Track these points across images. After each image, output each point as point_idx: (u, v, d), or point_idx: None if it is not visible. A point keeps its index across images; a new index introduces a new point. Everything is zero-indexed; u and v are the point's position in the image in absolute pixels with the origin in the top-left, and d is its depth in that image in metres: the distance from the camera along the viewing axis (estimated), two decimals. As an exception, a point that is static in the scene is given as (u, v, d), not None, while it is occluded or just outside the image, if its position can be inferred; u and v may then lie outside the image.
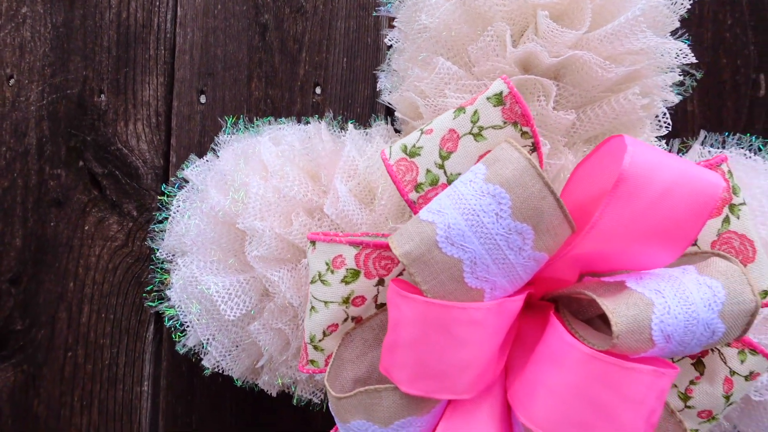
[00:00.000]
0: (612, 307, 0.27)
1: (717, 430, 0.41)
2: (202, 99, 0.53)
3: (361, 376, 0.34)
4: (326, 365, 0.35)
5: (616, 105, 0.38)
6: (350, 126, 0.44)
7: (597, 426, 0.26)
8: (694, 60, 0.40)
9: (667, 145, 0.44)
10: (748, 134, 0.44)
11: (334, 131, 0.45)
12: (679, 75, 0.44)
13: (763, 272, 0.31)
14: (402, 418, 0.30)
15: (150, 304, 0.49)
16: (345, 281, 0.33)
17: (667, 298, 0.27)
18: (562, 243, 0.29)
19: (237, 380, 0.46)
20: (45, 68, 0.54)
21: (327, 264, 0.34)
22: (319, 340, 0.34)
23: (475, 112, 0.32)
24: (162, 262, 0.47)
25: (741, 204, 0.31)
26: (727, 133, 0.43)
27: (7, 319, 0.54)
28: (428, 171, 0.32)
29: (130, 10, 0.54)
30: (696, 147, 0.42)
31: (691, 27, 0.50)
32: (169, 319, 0.46)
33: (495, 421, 0.31)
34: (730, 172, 0.31)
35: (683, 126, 0.51)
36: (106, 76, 0.54)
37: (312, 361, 0.34)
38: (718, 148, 0.43)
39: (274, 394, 0.46)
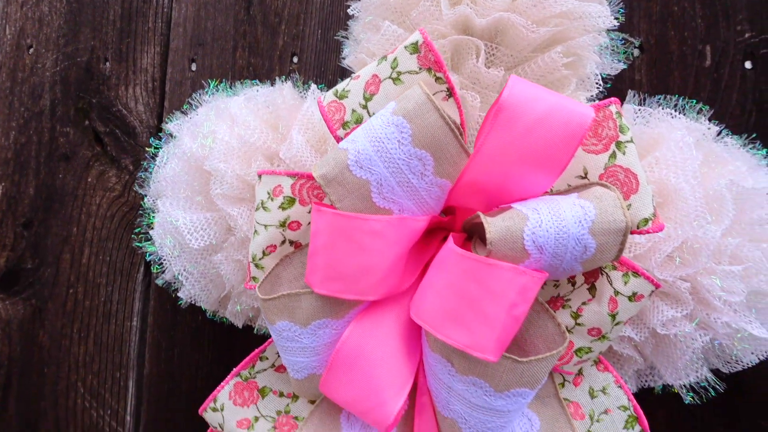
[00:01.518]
0: (489, 219, 0.31)
1: (634, 367, 0.44)
2: (193, 67, 0.59)
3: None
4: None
5: (541, 63, 0.42)
6: (312, 85, 0.49)
7: (466, 316, 0.30)
8: (614, 23, 0.43)
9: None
10: (694, 101, 0.46)
11: (301, 91, 0.50)
12: (617, 43, 0.48)
13: (645, 202, 0.34)
14: (319, 319, 0.35)
15: (138, 244, 0.55)
16: (282, 207, 0.38)
17: (541, 214, 0.31)
18: (461, 170, 0.34)
19: (208, 312, 0.52)
20: (59, 39, 0.61)
21: (268, 193, 0.39)
22: (260, 259, 0.39)
23: (395, 59, 0.36)
24: (150, 208, 0.53)
25: (628, 141, 0.34)
26: (659, 96, 0.46)
27: (19, 258, 0.61)
28: (353, 111, 0.37)
29: (133, -13, 0.60)
30: (627, 107, 0.46)
31: (641, 1, 0.53)
32: (149, 255, 0.52)
33: (400, 328, 0.35)
34: (618, 113, 0.35)
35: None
36: (111, 45, 0.61)
37: (254, 278, 0.39)
38: (652, 107, 0.46)
39: (240, 326, 0.51)
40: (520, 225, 0.31)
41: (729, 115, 0.52)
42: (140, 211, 0.55)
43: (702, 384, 0.46)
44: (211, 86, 0.54)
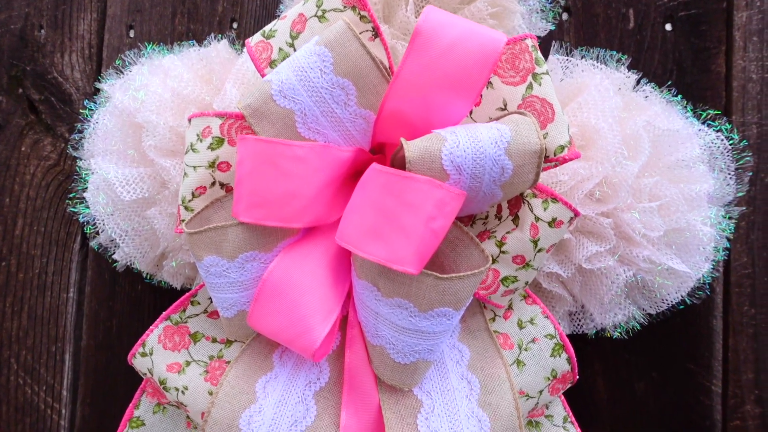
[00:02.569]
0: (409, 142, 0.32)
1: (565, 307, 0.45)
2: (131, 33, 0.59)
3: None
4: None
5: (467, 13, 0.43)
6: (248, 42, 0.49)
7: (385, 231, 0.30)
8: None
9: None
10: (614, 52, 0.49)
11: (235, 50, 0.50)
12: (545, 5, 0.50)
13: (561, 131, 0.35)
14: (246, 252, 0.35)
15: (72, 209, 0.54)
16: (211, 148, 0.38)
17: (459, 136, 0.32)
18: (382, 98, 0.34)
19: (145, 274, 0.51)
20: (-9, 6, 0.60)
21: (197, 135, 0.39)
22: (189, 201, 0.39)
23: (320, -3, 0.37)
24: (85, 171, 0.52)
25: (543, 73, 0.36)
26: (581, 48, 0.48)
27: (-52, 231, 0.59)
28: (280, 49, 0.37)
29: (68, -47, 0.60)
30: (552, 58, 0.48)
31: (568, -33, 0.56)
32: (83, 217, 0.51)
33: (329, 260, 0.36)
34: (534, 46, 0.36)
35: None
36: (46, 12, 0.59)
37: (183, 221, 0.39)
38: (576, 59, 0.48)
39: (178, 287, 0.51)
40: (438, 145, 0.32)
41: (652, 74, 0.54)
42: (75, 176, 0.54)
43: (631, 323, 0.48)
44: (148, 48, 0.54)
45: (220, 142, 0.38)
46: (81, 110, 0.58)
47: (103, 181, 0.47)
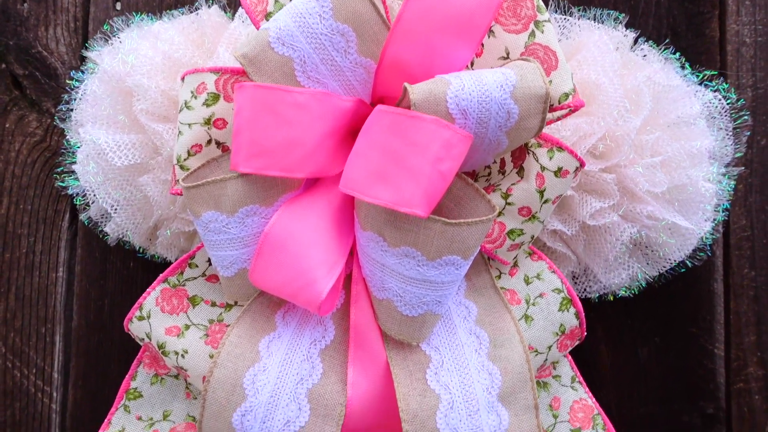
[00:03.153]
0: (413, 84, 0.31)
1: (569, 268, 0.45)
2: (118, 6, 0.57)
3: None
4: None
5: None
6: (240, 10, 0.48)
7: (392, 173, 0.29)
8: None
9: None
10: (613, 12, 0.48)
11: (226, 17, 0.49)
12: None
13: (564, 78, 0.35)
14: (246, 206, 0.34)
15: (60, 184, 0.52)
16: (206, 104, 0.37)
17: (464, 80, 0.31)
18: (383, 45, 0.34)
19: (137, 246, 0.50)
20: (-29, -21, 0.58)
21: (192, 92, 0.38)
22: (185, 160, 0.38)
23: (316, -54, 0.36)
24: (73, 144, 0.51)
25: (545, 21, 0.35)
26: (579, 7, 0.48)
27: (-70, 212, 0.56)
28: (276, 1, 0.36)
29: (51, -76, 0.58)
30: (552, 18, 0.47)
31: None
32: (72, 189, 0.49)
33: (332, 213, 0.35)
34: (536, -7, 0.36)
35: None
36: (28, -15, 0.58)
37: (179, 181, 0.38)
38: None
39: (173, 259, 0.49)
40: (442, 88, 0.31)
41: (646, 39, 0.54)
42: (63, 150, 0.52)
43: (635, 285, 0.47)
44: (137, 18, 0.52)
45: (215, 98, 0.37)
46: (67, 84, 0.56)
47: (93, 149, 0.45)
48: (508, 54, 0.36)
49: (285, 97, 0.31)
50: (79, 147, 0.48)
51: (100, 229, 0.51)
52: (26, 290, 0.56)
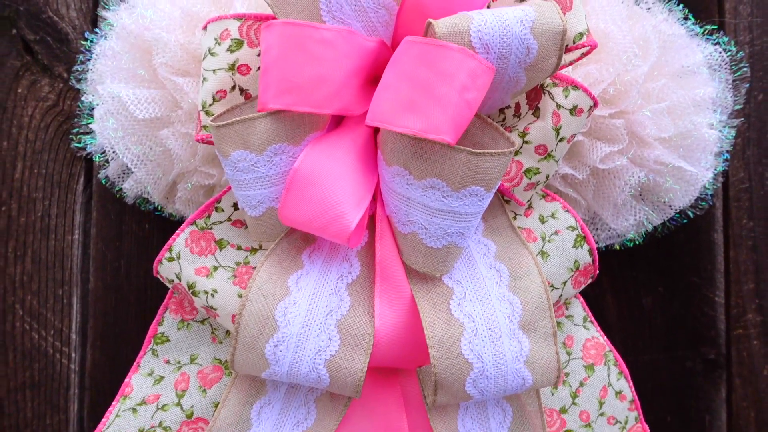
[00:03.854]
0: (437, 20, 0.32)
1: (578, 213, 0.46)
2: (128, -30, 0.58)
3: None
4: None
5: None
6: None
7: (420, 102, 0.31)
8: None
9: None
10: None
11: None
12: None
13: (579, 19, 0.36)
14: (275, 144, 0.35)
15: (76, 145, 0.53)
16: (230, 50, 0.38)
17: (485, 15, 0.33)
18: (406, -14, 0.35)
19: (156, 202, 0.50)
20: (-22, -55, 0.58)
21: (215, 39, 0.39)
22: (210, 105, 0.38)
23: None
24: (88, 104, 0.51)
25: (560, -36, 0.37)
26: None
27: (-57, 178, 0.57)
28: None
29: None
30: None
31: None
32: (90, 147, 0.50)
33: (358, 150, 0.36)
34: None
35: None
36: (37, -50, 0.58)
37: (204, 127, 0.39)
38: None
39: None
40: (466, 23, 0.32)
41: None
42: (78, 112, 0.53)
43: (641, 229, 0.49)
44: (149, -19, 0.53)
45: (239, 43, 0.38)
46: (80, 47, 0.57)
47: (112, 105, 0.46)
48: (523, -3, 0.37)
49: (312, 34, 0.32)
50: (96, 105, 0.49)
51: (117, 188, 0.51)
52: (42, 253, 0.57)
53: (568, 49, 0.36)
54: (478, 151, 0.32)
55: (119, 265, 0.56)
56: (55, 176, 0.57)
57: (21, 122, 0.57)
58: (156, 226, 0.56)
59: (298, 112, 0.34)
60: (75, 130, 0.53)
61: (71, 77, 0.52)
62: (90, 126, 0.50)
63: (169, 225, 0.55)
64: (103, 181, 0.51)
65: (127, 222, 0.56)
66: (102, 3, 0.54)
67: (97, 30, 0.52)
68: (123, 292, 0.56)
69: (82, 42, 0.53)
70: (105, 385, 0.56)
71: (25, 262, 0.57)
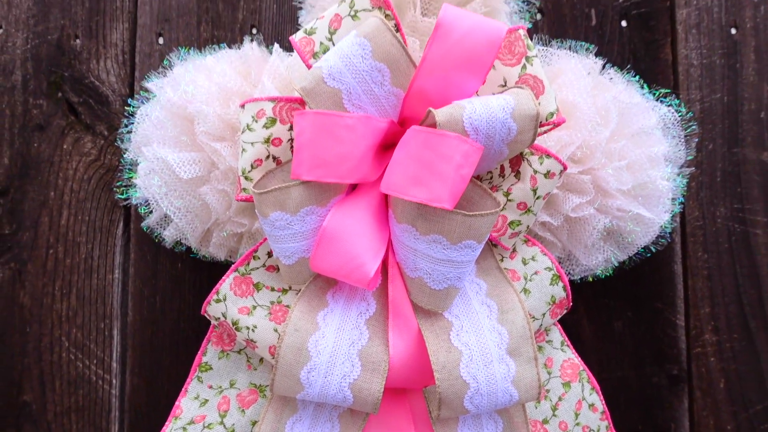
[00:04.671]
0: (436, 109, 0.41)
1: (555, 253, 0.55)
2: (160, 40, 0.66)
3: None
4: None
5: (465, 13, 0.53)
6: (276, 45, 0.57)
7: (425, 177, 0.39)
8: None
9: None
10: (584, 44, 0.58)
11: (264, 50, 0.58)
12: (521, 7, 0.60)
13: (550, 101, 0.45)
14: (306, 206, 0.43)
15: (120, 196, 0.60)
16: (265, 126, 0.46)
17: (475, 104, 0.41)
18: (410, 79, 0.43)
19: (193, 247, 0.58)
20: (29, 19, 0.66)
21: (252, 117, 0.47)
22: (248, 172, 0.46)
23: (352, 1, 0.46)
24: (130, 162, 0.59)
25: (533, 56, 0.45)
26: (557, 40, 0.58)
27: (-4, 225, 0.64)
28: (321, 43, 0.46)
29: (100, -29, 0.67)
30: (536, 49, 0.57)
31: (539, -24, 0.66)
32: (135, 200, 0.57)
33: (373, 210, 0.44)
34: (525, 35, 0.46)
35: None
36: (81, 24, 0.66)
37: (244, 189, 0.47)
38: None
39: (222, 258, 0.57)
40: (459, 111, 0.41)
41: (612, 63, 0.65)
42: (120, 168, 0.60)
43: (609, 265, 0.57)
44: (182, 52, 0.61)
45: (273, 121, 0.46)
46: (118, 111, 0.65)
47: (157, 165, 0.54)
48: (505, 82, 0.45)
49: (338, 121, 0.41)
50: (140, 163, 0.57)
51: (157, 234, 0.59)
52: (86, 291, 0.64)
53: (541, 125, 0.45)
54: (471, 213, 0.40)
55: (155, 300, 0.64)
56: (97, 222, 0.64)
57: (66, 175, 0.65)
58: (188, 265, 0.63)
59: (326, 182, 0.42)
60: (118, 183, 0.61)
61: (117, 139, 0.60)
62: (134, 181, 0.58)
63: (200, 264, 0.62)
64: (145, 229, 0.59)
65: (162, 262, 0.64)
66: (133, 80, 0.62)
67: (137, 96, 0.60)
68: (158, 325, 0.63)
69: (126, 107, 0.60)
70: (143, 408, 0.63)
71: (71, 298, 0.64)
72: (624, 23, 0.66)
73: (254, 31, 0.66)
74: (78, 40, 0.66)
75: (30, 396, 0.63)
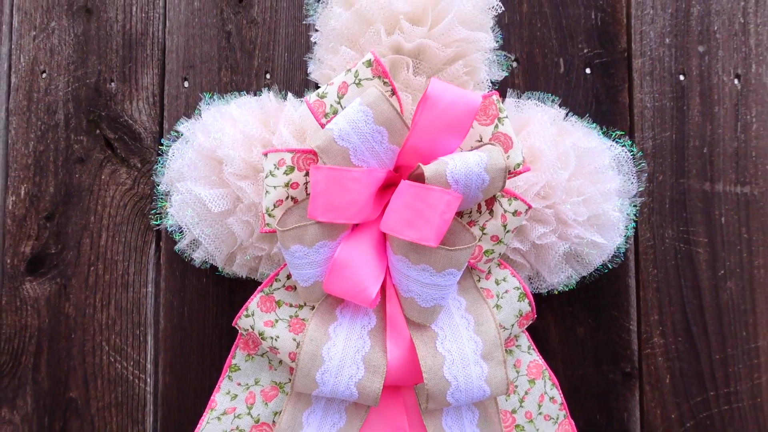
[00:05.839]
0: (425, 164, 0.51)
1: (525, 273, 0.65)
2: (186, 84, 0.75)
3: (297, 232, 0.56)
4: (275, 228, 0.57)
5: (450, 72, 0.63)
6: (289, 95, 0.67)
7: (415, 222, 0.49)
8: (495, 44, 0.65)
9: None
10: (550, 96, 0.69)
11: (279, 98, 0.68)
12: (501, 58, 0.70)
13: (517, 153, 0.55)
14: (320, 241, 0.53)
15: (154, 222, 0.70)
16: (285, 173, 0.56)
17: (455, 160, 0.51)
18: (404, 138, 0.53)
19: (220, 269, 0.68)
20: (70, 65, 0.75)
21: (274, 165, 0.57)
22: (271, 210, 0.56)
23: (356, 71, 0.56)
24: (163, 192, 0.69)
25: (504, 117, 0.56)
26: (528, 93, 0.69)
27: (44, 245, 0.74)
28: (331, 105, 0.56)
29: (132, 23, 0.76)
30: (509, 100, 0.68)
31: (512, 28, 0.76)
32: (170, 227, 0.67)
33: (374, 244, 0.54)
34: (498, 100, 0.56)
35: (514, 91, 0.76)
36: (115, 69, 0.76)
37: (267, 224, 0.57)
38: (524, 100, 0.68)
39: (244, 276, 0.68)
40: (443, 167, 0.51)
41: (577, 105, 0.75)
42: (154, 197, 0.70)
43: (570, 282, 0.68)
44: (206, 97, 0.71)
45: (291, 169, 0.56)
46: (149, 146, 0.74)
47: (190, 198, 0.64)
48: (481, 138, 0.56)
49: (346, 174, 0.51)
50: (172, 195, 0.66)
51: (187, 255, 0.69)
52: (123, 302, 0.74)
53: (510, 174, 0.55)
54: (452, 248, 0.51)
55: (183, 310, 0.74)
56: (132, 243, 0.74)
57: (104, 201, 0.74)
58: (211, 281, 0.73)
59: (337, 222, 0.52)
60: (153, 211, 0.71)
61: (151, 173, 0.70)
62: (167, 209, 0.68)
63: (222, 280, 0.72)
64: (177, 251, 0.69)
65: (189, 277, 0.74)
66: (166, 124, 0.72)
67: (168, 136, 0.69)
68: (186, 331, 0.73)
69: (159, 146, 0.70)
70: (174, 403, 0.73)
71: (110, 309, 0.74)
72: (588, 71, 0.76)
73: (267, 76, 0.75)
74: (113, 84, 0.75)
75: (75, 393, 0.73)
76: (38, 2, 0.76)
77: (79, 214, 0.74)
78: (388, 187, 0.57)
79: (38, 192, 0.74)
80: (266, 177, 0.57)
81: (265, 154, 0.58)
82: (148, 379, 0.73)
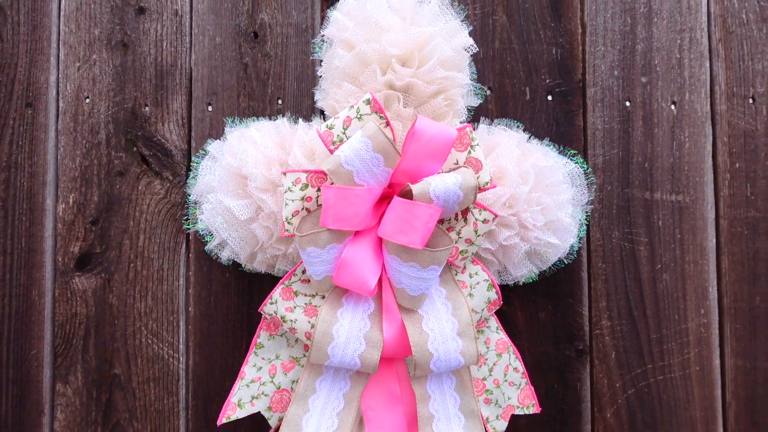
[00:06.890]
0: (412, 184, 0.65)
1: (495, 268, 0.80)
2: (210, 108, 0.89)
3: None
4: (293, 233, 0.71)
5: (433, 104, 0.77)
6: (300, 120, 0.81)
7: (405, 229, 0.63)
8: (469, 81, 0.79)
9: (475, 129, 0.84)
10: (516, 122, 0.84)
11: (292, 123, 0.82)
12: (476, 88, 0.84)
13: (486, 173, 0.69)
14: (331, 244, 0.67)
15: (187, 227, 0.84)
16: (301, 189, 0.70)
17: (437, 181, 0.66)
18: (397, 163, 0.68)
19: (242, 264, 0.82)
20: (109, 92, 0.88)
21: (292, 182, 0.71)
22: (290, 219, 0.70)
23: (358, 107, 0.70)
24: (194, 202, 0.82)
25: (476, 144, 0.70)
26: (498, 120, 0.83)
27: (90, 246, 0.87)
28: (338, 135, 0.70)
29: (163, 56, 0.89)
30: (481, 126, 0.82)
31: (486, 62, 0.91)
32: (201, 231, 0.81)
33: (372, 245, 0.69)
34: (471, 130, 0.70)
35: (486, 118, 0.91)
36: (149, 95, 0.88)
37: (287, 230, 0.71)
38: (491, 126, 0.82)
39: (262, 271, 0.81)
40: (426, 187, 0.65)
41: (541, 127, 0.90)
42: (184, 204, 0.83)
43: (532, 275, 0.83)
44: (229, 121, 0.84)
45: (306, 186, 0.70)
46: (180, 162, 0.88)
47: (219, 207, 0.77)
48: (457, 162, 0.70)
49: (351, 192, 0.65)
50: (202, 204, 0.80)
51: (214, 254, 0.82)
52: (158, 294, 0.87)
53: (480, 190, 0.70)
54: (434, 249, 0.65)
55: (210, 300, 0.87)
56: (166, 243, 0.88)
57: (141, 208, 0.87)
58: (233, 275, 0.87)
59: (344, 230, 0.66)
60: (185, 218, 0.84)
61: (184, 185, 0.83)
62: (198, 216, 0.81)
63: (243, 274, 0.86)
64: (207, 251, 0.82)
65: (215, 272, 0.87)
66: (195, 144, 0.85)
67: (197, 154, 0.83)
68: (213, 318, 0.87)
69: (190, 163, 0.83)
70: (202, 377, 0.87)
71: (147, 299, 0.87)
72: (550, 98, 0.91)
73: (279, 102, 0.89)
74: (147, 108, 0.88)
75: (119, 370, 0.86)
76: (81, 37, 0.89)
77: (120, 219, 0.87)
78: (383, 199, 0.72)
79: (84, 200, 0.87)
80: (285, 192, 0.71)
81: (284, 174, 0.71)
82: (181, 358, 0.87)
